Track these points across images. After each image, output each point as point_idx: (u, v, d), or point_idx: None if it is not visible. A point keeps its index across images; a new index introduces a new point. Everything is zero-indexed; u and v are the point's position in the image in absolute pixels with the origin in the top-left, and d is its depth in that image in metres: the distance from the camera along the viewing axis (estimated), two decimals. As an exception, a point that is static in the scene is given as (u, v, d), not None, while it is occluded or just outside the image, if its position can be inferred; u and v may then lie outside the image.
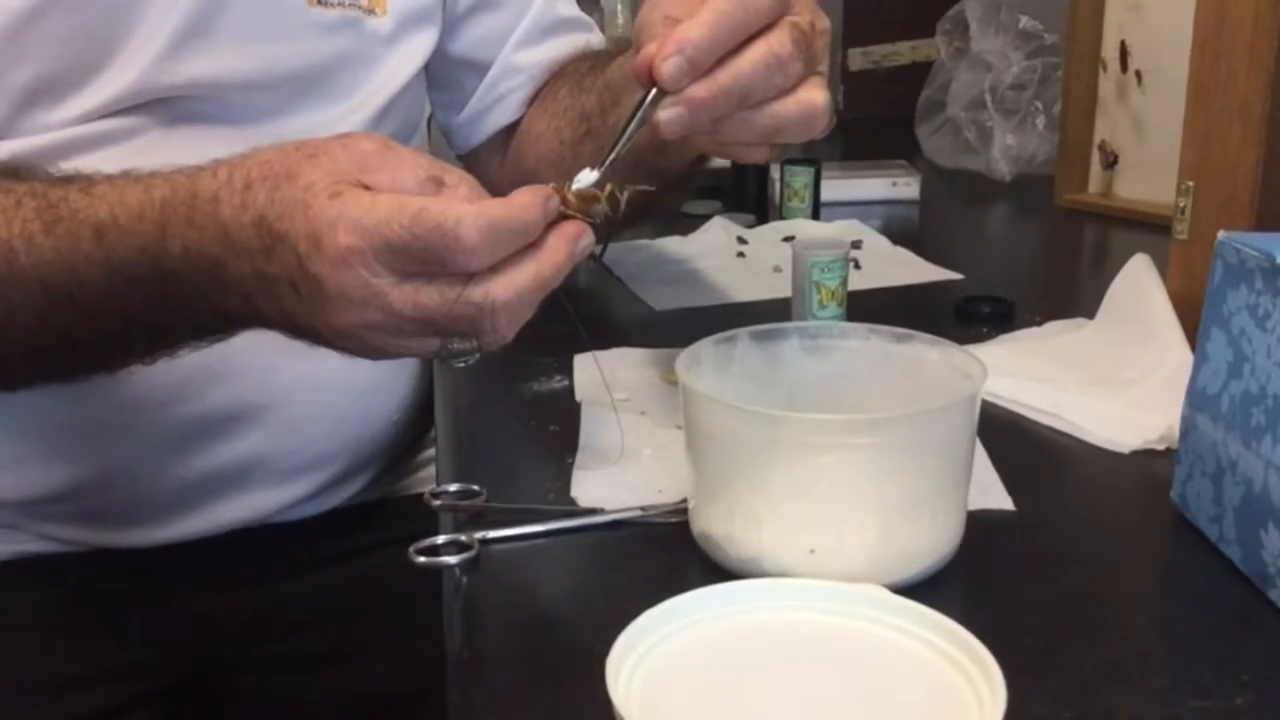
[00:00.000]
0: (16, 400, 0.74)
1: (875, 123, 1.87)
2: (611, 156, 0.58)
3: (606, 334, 0.92)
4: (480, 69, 0.95)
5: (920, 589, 0.54)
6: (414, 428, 0.96)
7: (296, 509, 0.87)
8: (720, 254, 1.15)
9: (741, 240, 1.18)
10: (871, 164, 1.48)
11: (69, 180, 0.63)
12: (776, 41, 0.57)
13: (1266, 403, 0.54)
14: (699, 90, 0.57)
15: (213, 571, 0.86)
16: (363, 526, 0.91)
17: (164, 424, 0.79)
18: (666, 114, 0.57)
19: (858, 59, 1.92)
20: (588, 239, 0.57)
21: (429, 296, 0.53)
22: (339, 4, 0.81)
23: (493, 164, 0.98)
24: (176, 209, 0.57)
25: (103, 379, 0.71)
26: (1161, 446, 0.69)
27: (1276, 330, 0.54)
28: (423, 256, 0.52)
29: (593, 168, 0.58)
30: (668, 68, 0.56)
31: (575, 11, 0.99)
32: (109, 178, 0.61)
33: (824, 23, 0.60)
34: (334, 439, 0.87)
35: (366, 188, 0.54)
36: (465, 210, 0.52)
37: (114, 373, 0.68)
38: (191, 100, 0.76)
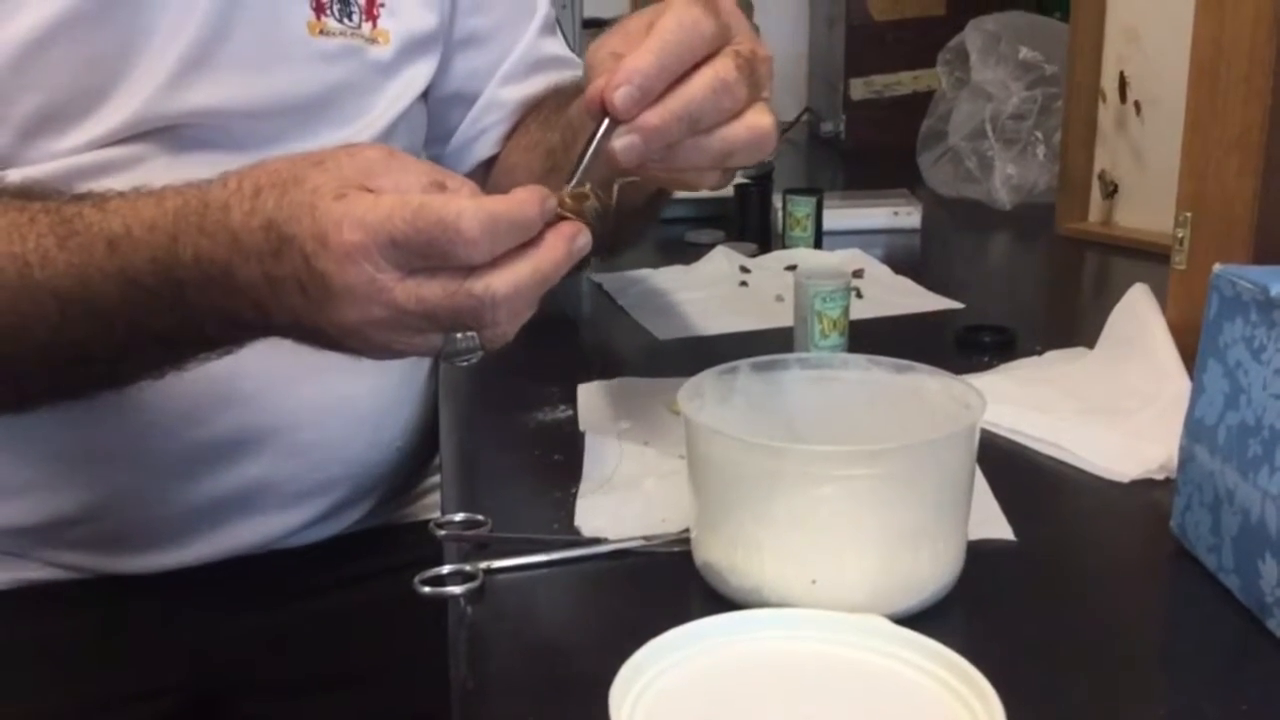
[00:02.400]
0: (23, 426, 0.75)
1: (877, 152, 1.87)
2: (571, 186, 0.59)
3: (610, 363, 0.92)
4: (467, 102, 0.96)
5: (921, 619, 0.54)
6: (418, 454, 0.97)
7: (301, 534, 0.87)
8: (723, 283, 1.15)
9: (744, 269, 1.18)
10: (873, 193, 1.48)
11: (82, 197, 0.64)
12: (722, 67, 0.59)
13: (1263, 434, 0.54)
14: (651, 117, 0.58)
15: (217, 597, 0.86)
16: (367, 553, 0.92)
17: (171, 449, 0.80)
18: (621, 142, 0.59)
19: (859, 88, 1.93)
20: (585, 238, 0.58)
21: (431, 290, 0.55)
22: (341, 33, 0.82)
23: None
24: (188, 218, 0.58)
25: (110, 403, 0.71)
26: (1161, 476, 0.69)
27: (1272, 362, 0.54)
28: (425, 250, 0.54)
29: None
30: (619, 97, 0.58)
31: (562, 50, 1.00)
32: (121, 194, 0.63)
33: (765, 51, 0.62)
34: (339, 464, 0.87)
35: (370, 192, 0.55)
36: (465, 204, 0.54)
37: (124, 388, 0.69)
38: (195, 128, 0.77)
